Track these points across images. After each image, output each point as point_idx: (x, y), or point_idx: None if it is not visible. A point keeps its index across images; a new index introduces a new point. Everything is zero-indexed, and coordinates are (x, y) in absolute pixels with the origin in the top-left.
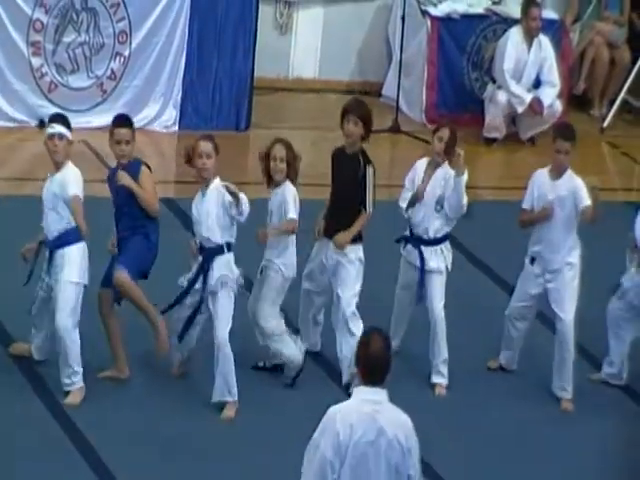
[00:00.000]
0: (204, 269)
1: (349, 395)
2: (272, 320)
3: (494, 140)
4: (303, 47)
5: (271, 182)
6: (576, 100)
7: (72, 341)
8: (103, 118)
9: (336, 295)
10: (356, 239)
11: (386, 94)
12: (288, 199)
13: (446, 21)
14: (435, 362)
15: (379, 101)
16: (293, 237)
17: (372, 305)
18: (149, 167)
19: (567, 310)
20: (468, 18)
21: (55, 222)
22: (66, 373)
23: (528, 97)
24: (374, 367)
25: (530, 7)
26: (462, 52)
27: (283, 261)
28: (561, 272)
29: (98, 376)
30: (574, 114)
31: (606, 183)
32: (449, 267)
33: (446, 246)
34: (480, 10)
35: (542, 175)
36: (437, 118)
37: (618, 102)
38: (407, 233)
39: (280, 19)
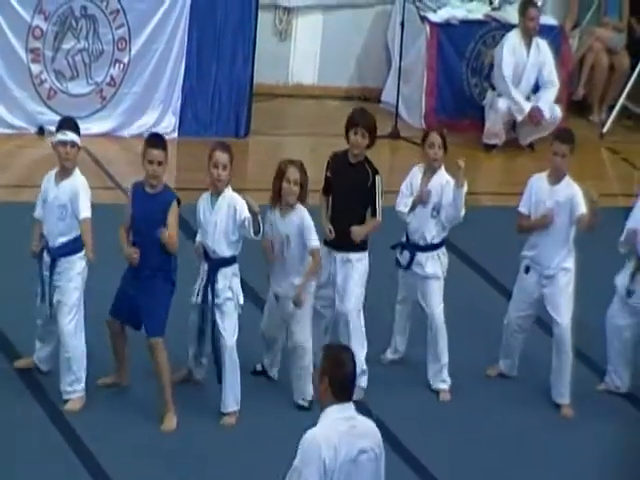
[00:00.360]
0: (210, 280)
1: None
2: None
3: (493, 146)
4: (302, 53)
5: (278, 202)
6: (575, 106)
7: (75, 347)
8: (102, 125)
9: (340, 302)
10: (363, 247)
11: (385, 100)
12: (306, 225)
13: (445, 27)
14: (435, 367)
15: (378, 107)
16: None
17: (369, 312)
18: (179, 201)
19: (563, 314)
20: (467, 24)
21: (62, 232)
22: (68, 380)
23: (527, 106)
24: (347, 385)
25: (527, 7)
26: (461, 58)
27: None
28: (556, 277)
29: (97, 383)
30: (573, 120)
31: (606, 189)
32: (445, 272)
33: (442, 251)
34: (479, 16)
35: (540, 180)
36: (436, 124)
37: (617, 108)
38: (403, 239)
39: (279, 25)
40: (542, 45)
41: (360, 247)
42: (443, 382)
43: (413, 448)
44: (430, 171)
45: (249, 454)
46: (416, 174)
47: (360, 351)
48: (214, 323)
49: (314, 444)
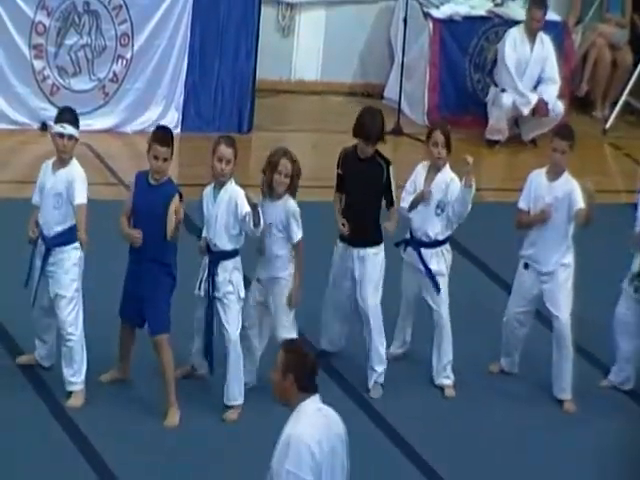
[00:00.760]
0: (211, 273)
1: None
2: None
3: (496, 142)
4: (305, 49)
5: (270, 193)
6: (578, 102)
7: (76, 337)
8: (105, 121)
9: (360, 298)
10: (378, 241)
11: (388, 96)
12: (293, 217)
13: (448, 23)
14: (440, 364)
15: (381, 103)
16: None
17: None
18: (181, 196)
19: (563, 309)
20: (470, 20)
21: (57, 221)
22: (70, 371)
23: (534, 98)
24: (314, 377)
25: (532, 8)
26: (464, 54)
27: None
28: (555, 273)
29: (100, 379)
30: (576, 116)
31: (608, 185)
32: (448, 269)
33: (446, 248)
34: (482, 12)
35: (539, 176)
36: (439, 120)
37: (620, 104)
38: (407, 236)
39: (282, 21)
40: (545, 40)
41: (375, 241)
42: (447, 378)
43: (416, 444)
44: (434, 169)
45: (251, 450)
46: (420, 172)
47: (380, 347)
48: (212, 317)
49: (303, 444)
